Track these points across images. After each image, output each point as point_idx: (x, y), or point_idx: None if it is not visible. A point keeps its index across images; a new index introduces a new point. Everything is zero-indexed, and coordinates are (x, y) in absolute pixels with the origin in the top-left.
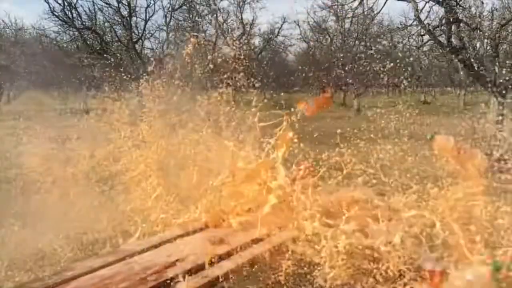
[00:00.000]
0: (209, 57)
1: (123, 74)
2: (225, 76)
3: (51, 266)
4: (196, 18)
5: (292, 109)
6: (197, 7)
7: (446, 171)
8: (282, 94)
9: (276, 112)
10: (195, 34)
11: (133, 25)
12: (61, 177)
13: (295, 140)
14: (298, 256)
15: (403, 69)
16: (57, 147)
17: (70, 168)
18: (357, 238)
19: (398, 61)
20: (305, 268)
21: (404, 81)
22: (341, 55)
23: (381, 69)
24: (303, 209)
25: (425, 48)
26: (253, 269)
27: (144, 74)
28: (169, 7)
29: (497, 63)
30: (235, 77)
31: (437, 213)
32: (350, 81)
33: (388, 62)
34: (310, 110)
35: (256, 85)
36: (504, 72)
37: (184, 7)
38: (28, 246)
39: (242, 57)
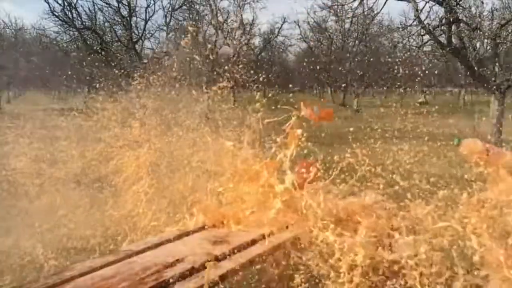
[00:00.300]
0: (209, 46)
1: (116, 70)
2: (226, 67)
3: (33, 275)
4: (196, 18)
5: (296, 107)
6: (197, 7)
7: (474, 174)
8: (290, 87)
9: (278, 110)
10: (193, 23)
11: (133, 25)
12: (48, 179)
13: (302, 139)
14: (310, 269)
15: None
16: (46, 147)
17: (59, 170)
18: (375, 250)
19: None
20: (319, 285)
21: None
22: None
23: (397, 60)
24: (313, 217)
25: (425, 48)
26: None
27: (139, 68)
28: (169, 7)
29: (497, 63)
30: (234, 71)
31: (468, 224)
32: (360, 73)
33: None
34: (312, 117)
35: (261, 78)
36: (504, 72)
37: (184, 7)
38: (9, 254)
39: (246, 48)
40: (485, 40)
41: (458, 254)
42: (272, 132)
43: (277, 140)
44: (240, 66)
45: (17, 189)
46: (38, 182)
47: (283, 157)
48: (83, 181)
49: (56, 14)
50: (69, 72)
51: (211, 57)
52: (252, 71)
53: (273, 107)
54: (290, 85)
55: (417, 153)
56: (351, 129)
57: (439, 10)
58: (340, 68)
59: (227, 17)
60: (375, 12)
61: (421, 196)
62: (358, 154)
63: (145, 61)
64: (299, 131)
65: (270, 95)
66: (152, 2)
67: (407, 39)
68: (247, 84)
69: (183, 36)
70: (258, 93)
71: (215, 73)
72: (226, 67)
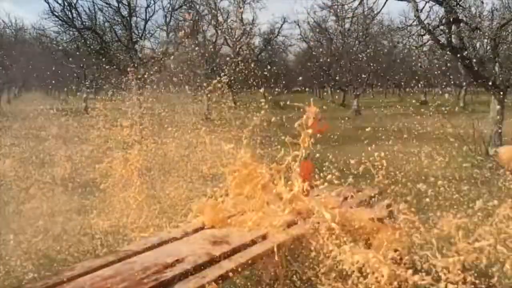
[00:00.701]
0: (209, 34)
1: (107, 66)
2: (227, 58)
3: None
4: (196, 18)
5: (307, 103)
6: (197, 7)
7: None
8: (299, 79)
9: (279, 110)
10: (190, 11)
11: (133, 25)
12: (36, 184)
13: (312, 140)
14: None
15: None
16: (36, 148)
17: (47, 173)
18: (397, 269)
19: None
20: None
21: None
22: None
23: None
24: (328, 232)
25: (425, 48)
26: None
27: (130, 63)
28: (169, 7)
29: (497, 63)
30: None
31: (508, 240)
32: (373, 66)
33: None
34: (313, 125)
35: (265, 73)
36: (504, 72)
37: (184, 7)
38: None
39: (246, 47)
40: (485, 40)
41: (500, 277)
42: (277, 131)
43: (285, 140)
44: (240, 58)
45: (1, 194)
46: (26, 186)
47: (291, 160)
48: (71, 186)
49: (56, 14)
50: (71, 73)
51: (211, 47)
52: (252, 67)
53: (275, 106)
54: (300, 78)
55: (441, 156)
56: (367, 129)
57: (439, 10)
58: (340, 68)
59: (227, 17)
60: (375, 12)
61: (449, 207)
62: (376, 156)
63: (140, 54)
64: (310, 131)
65: (275, 92)
66: (152, 2)
67: (407, 39)
68: (249, 81)
69: (182, 23)
70: (262, 88)
71: (214, 68)
72: (227, 58)
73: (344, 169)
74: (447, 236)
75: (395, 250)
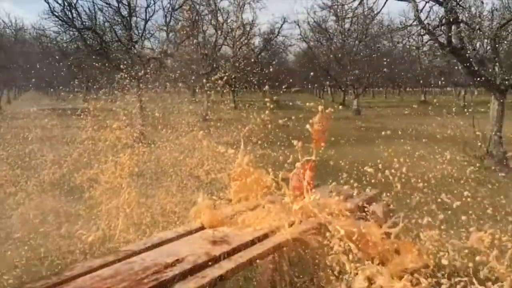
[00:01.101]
0: (208, 30)
1: (98, 64)
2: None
3: None
4: (196, 18)
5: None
6: (197, 7)
7: None
8: (310, 76)
9: (281, 111)
10: (189, 3)
11: (133, 25)
12: (23, 188)
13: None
14: None
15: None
16: (26, 151)
17: (35, 178)
18: None
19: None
20: None
21: None
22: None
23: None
24: (341, 249)
25: (425, 48)
26: None
27: (126, 63)
28: (169, 7)
29: (497, 63)
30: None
31: None
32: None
33: None
34: (318, 135)
35: (269, 70)
36: (504, 72)
37: (184, 7)
38: None
39: (246, 48)
40: (485, 40)
41: None
42: (282, 134)
43: (295, 144)
44: (240, 55)
45: None
46: (14, 191)
47: (299, 166)
48: (59, 191)
49: (56, 14)
50: (71, 73)
51: (212, 45)
52: (253, 66)
53: (276, 106)
54: (312, 73)
55: (466, 163)
56: (388, 132)
57: (439, 10)
58: (340, 68)
59: (227, 17)
60: (375, 12)
61: (481, 221)
62: (395, 162)
63: (135, 51)
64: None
65: (281, 91)
66: (152, 2)
67: (407, 39)
68: (249, 80)
69: (182, 22)
70: (267, 87)
71: (214, 66)
72: (228, 52)
73: (362, 176)
74: (481, 257)
75: (412, 273)
